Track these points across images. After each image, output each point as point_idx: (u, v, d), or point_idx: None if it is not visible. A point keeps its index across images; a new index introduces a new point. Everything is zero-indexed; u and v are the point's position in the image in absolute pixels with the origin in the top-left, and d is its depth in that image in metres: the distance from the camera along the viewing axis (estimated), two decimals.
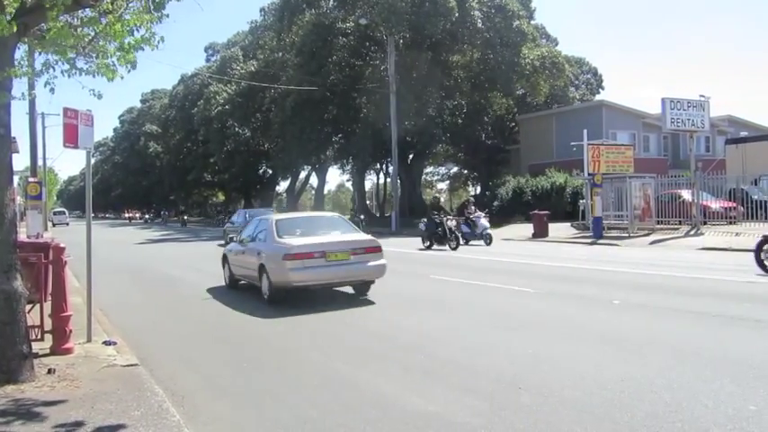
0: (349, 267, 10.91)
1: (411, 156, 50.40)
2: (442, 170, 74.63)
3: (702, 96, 26.06)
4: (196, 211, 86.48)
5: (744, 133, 40.63)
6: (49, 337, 7.10)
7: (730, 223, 23.59)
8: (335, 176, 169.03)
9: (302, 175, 74.70)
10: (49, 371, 6.09)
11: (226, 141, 63.40)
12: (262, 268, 11.24)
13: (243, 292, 12.87)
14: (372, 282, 11.46)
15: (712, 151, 44.94)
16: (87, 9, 6.37)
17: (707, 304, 9.14)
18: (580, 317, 8.68)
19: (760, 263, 12.75)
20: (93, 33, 6.45)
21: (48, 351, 6.94)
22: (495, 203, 38.74)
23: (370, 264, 11.07)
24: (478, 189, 63.79)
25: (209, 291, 13.41)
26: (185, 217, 67.97)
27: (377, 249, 11.27)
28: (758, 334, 7.21)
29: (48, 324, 7.12)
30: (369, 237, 11.83)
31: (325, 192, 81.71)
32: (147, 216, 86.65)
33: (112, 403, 5.21)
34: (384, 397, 5.47)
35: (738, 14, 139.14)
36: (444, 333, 7.95)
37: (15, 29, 5.52)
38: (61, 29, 5.91)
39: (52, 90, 6.40)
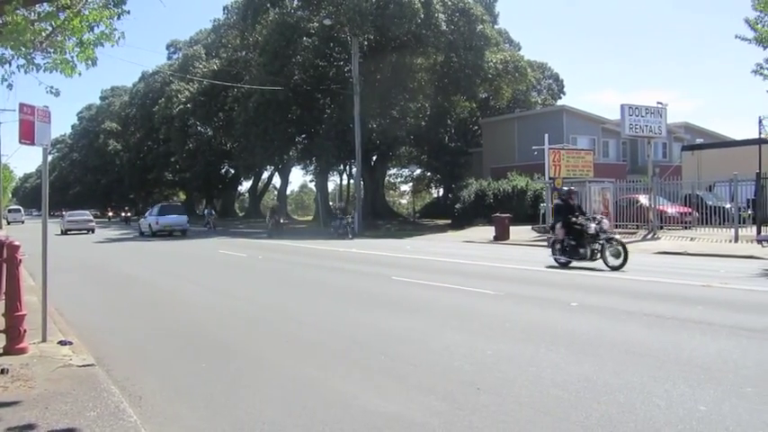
0: (86, 225, 43.36)
1: (374, 157, 50.51)
2: (406, 172, 74.94)
3: (660, 103, 26.64)
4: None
5: (699, 140, 41.62)
6: (2, 336, 6.93)
7: (685, 228, 24.18)
8: (299, 177, 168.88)
9: (265, 175, 74.42)
10: (2, 371, 5.95)
11: (187, 140, 62.81)
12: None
13: (201, 291, 12.76)
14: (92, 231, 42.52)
15: (669, 157, 45.92)
16: (45, 3, 6.27)
17: (661, 307, 9.33)
18: (539, 318, 8.79)
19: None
20: (50, 28, 6.34)
21: (0, 351, 6.79)
22: (458, 206, 39.13)
23: (91, 224, 43.76)
24: (441, 191, 64.21)
25: (170, 289, 13.28)
26: (129, 215, 64.75)
27: (93, 220, 45.27)
28: (710, 337, 7.38)
29: (1, 323, 6.96)
30: (91, 216, 46.29)
31: (288, 192, 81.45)
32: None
33: (68, 404, 5.12)
34: (343, 397, 5.47)
35: (695, 23, 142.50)
36: (404, 333, 7.98)
37: None
38: (18, 23, 5.79)
39: (10, 86, 6.29)
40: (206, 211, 51.22)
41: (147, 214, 40.73)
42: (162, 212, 37.66)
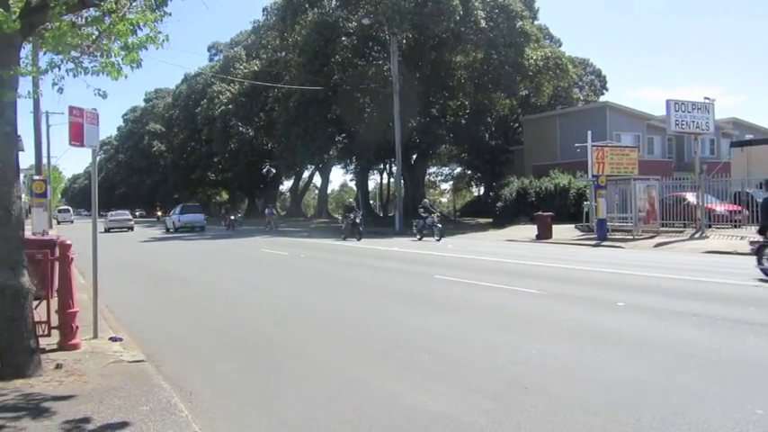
0: (126, 224, 45.75)
1: (414, 156, 50.39)
2: (446, 170, 74.67)
3: (707, 99, 26.05)
4: None
5: (749, 136, 40.43)
6: (55, 332, 7.12)
7: (735, 226, 23.54)
8: (339, 176, 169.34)
9: (306, 174, 74.86)
10: (57, 366, 6.11)
11: (229, 141, 63.58)
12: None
13: (245, 288, 12.89)
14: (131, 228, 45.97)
15: (717, 154, 44.85)
16: (91, 8, 6.39)
17: (711, 307, 9.13)
18: (584, 318, 8.67)
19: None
20: (97, 33, 6.46)
21: (55, 347, 6.97)
22: (499, 204, 38.80)
23: (130, 222, 46.82)
24: (482, 190, 63.80)
25: (215, 287, 13.44)
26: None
27: (132, 219, 48.55)
28: (763, 338, 7.19)
29: (54, 320, 7.15)
30: (130, 216, 49.84)
31: (329, 191, 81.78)
32: (233, 217, 47.56)
33: (121, 398, 5.23)
34: (390, 395, 5.47)
35: (744, 16, 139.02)
36: (450, 333, 7.95)
37: (20, 28, 5.53)
38: (65, 28, 5.92)
39: (60, 90, 6.41)
40: (266, 211, 47.51)
41: (171, 213, 46.48)
42: (183, 212, 43.84)
